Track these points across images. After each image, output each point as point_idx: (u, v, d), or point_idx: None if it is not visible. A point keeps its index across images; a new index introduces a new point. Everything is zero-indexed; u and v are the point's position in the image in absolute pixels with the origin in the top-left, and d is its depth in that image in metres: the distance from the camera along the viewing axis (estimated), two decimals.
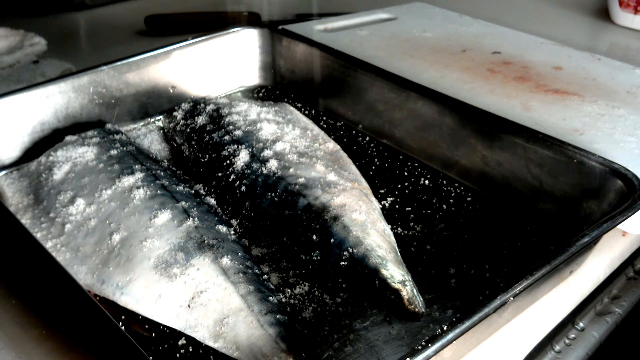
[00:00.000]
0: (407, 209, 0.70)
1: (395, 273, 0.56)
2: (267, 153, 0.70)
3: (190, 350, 0.52)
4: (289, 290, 0.58)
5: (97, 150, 0.70)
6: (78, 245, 0.59)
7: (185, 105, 0.86)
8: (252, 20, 1.27)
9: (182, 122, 0.82)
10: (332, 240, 0.59)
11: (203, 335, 0.51)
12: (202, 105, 0.83)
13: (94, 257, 0.58)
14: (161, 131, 0.86)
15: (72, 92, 0.80)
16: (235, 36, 0.96)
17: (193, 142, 0.77)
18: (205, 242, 0.57)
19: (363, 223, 0.61)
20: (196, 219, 0.60)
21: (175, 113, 0.85)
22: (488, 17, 1.18)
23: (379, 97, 0.84)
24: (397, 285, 0.54)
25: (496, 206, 0.71)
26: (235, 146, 0.72)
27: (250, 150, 0.71)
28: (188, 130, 0.80)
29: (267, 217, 0.65)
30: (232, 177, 0.69)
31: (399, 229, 0.67)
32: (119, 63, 0.83)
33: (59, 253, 0.59)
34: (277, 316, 0.52)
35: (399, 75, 0.83)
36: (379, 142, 0.84)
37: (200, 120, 0.80)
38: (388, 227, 0.64)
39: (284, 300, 0.55)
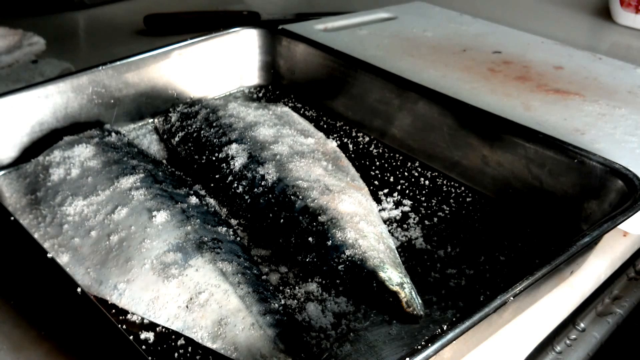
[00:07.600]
0: (407, 209, 0.70)
1: (393, 275, 0.55)
2: (264, 154, 0.70)
3: (190, 350, 0.51)
4: (287, 290, 0.58)
5: (96, 150, 0.69)
6: (76, 245, 0.59)
7: (180, 107, 0.85)
8: (252, 20, 1.27)
9: (177, 124, 0.81)
10: (329, 242, 0.59)
11: (202, 336, 0.51)
12: (198, 107, 0.83)
13: (92, 258, 0.57)
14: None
15: (71, 92, 0.79)
16: (235, 36, 0.96)
17: (190, 144, 0.77)
18: (204, 242, 0.57)
19: (361, 225, 0.61)
20: (195, 219, 0.60)
21: (170, 115, 0.84)
22: (488, 16, 1.18)
23: (379, 97, 0.84)
24: (395, 288, 0.54)
25: (496, 206, 0.71)
26: (233, 148, 0.72)
27: (247, 152, 0.71)
28: (184, 132, 0.79)
29: (264, 218, 0.65)
30: (229, 178, 0.69)
31: (399, 229, 0.67)
32: (118, 63, 0.83)
33: (57, 253, 0.58)
34: (276, 317, 0.51)
35: (399, 75, 0.82)
36: (379, 142, 0.84)
37: (197, 122, 0.79)
38: (386, 229, 0.64)
39: (282, 301, 0.55)
